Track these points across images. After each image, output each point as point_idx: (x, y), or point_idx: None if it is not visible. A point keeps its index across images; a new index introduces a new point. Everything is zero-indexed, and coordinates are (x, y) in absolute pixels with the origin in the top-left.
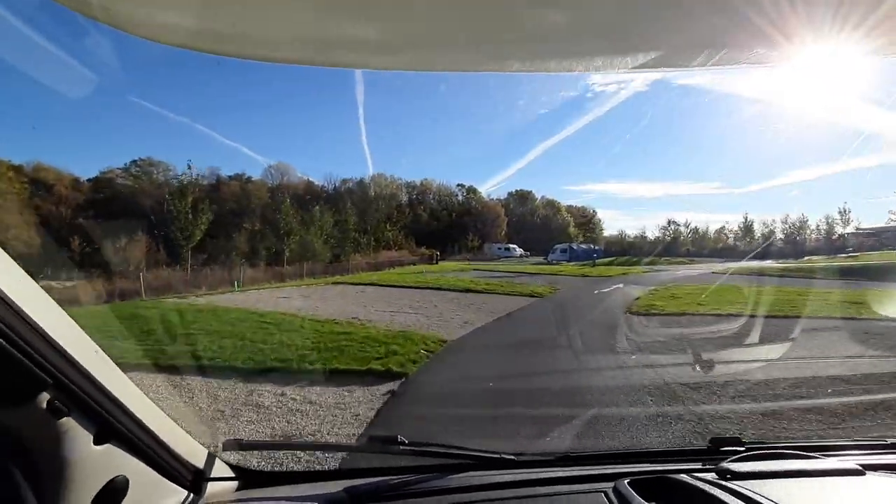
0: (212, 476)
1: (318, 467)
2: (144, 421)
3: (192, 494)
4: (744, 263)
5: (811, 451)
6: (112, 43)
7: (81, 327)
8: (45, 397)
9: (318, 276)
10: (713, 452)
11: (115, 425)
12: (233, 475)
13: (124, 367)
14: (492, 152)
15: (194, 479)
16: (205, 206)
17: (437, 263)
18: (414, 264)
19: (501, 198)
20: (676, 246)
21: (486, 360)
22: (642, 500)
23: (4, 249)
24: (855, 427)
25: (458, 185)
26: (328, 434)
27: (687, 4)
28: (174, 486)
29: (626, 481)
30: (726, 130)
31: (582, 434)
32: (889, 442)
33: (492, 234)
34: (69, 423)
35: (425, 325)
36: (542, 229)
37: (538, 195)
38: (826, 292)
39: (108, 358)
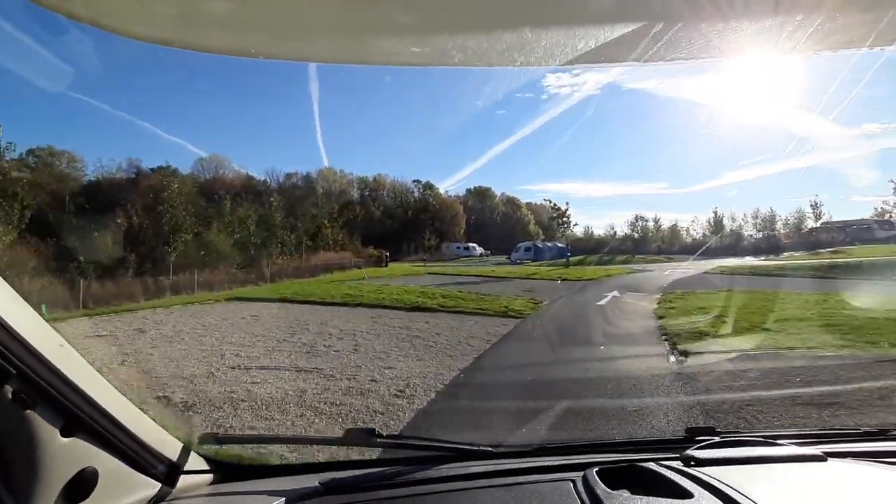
0: (186, 469)
1: (294, 461)
2: (113, 413)
3: (165, 487)
4: (735, 261)
5: (780, 440)
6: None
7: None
8: (8, 389)
9: (224, 286)
10: (686, 441)
11: (82, 417)
12: (208, 468)
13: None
14: (450, 151)
15: (168, 472)
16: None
17: (385, 266)
18: (358, 267)
19: (460, 195)
20: (647, 243)
21: None
22: (606, 488)
23: None
24: (827, 416)
25: (415, 181)
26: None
27: None
28: (146, 478)
29: (594, 470)
30: (672, 133)
31: (559, 425)
32: (856, 430)
33: (450, 232)
34: (35, 416)
35: (306, 420)
36: (503, 227)
37: (497, 192)
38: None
39: (74, 351)
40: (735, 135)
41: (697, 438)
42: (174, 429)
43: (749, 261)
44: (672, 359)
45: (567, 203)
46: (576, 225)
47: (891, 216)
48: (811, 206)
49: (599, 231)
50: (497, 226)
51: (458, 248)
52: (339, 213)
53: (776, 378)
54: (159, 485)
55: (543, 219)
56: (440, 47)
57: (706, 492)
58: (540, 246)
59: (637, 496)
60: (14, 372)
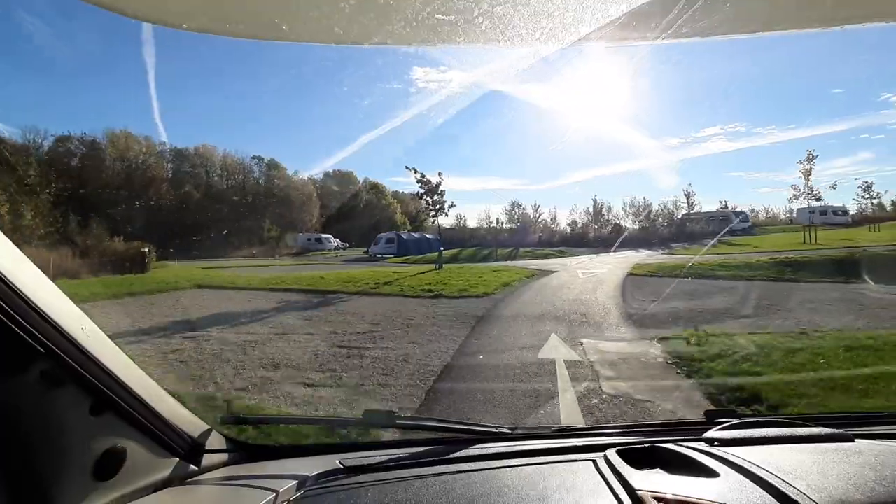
0: (208, 448)
1: (314, 441)
2: (139, 392)
3: (189, 465)
4: (639, 255)
5: (804, 422)
6: None
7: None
8: (38, 368)
9: None
10: (706, 424)
11: (110, 396)
12: (230, 447)
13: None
14: (315, 137)
15: (192, 450)
16: None
17: (146, 272)
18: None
19: (317, 178)
20: (527, 233)
21: None
22: (628, 467)
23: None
24: (849, 399)
25: (255, 157)
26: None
27: None
28: (171, 456)
29: (614, 450)
30: (527, 134)
31: (575, 408)
32: (883, 413)
33: (301, 221)
34: (65, 394)
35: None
36: (367, 217)
37: (360, 178)
38: None
39: (99, 331)
40: (579, 139)
41: (717, 421)
42: (196, 409)
43: (659, 257)
44: (690, 341)
45: (440, 173)
46: (452, 206)
47: (735, 207)
48: (685, 195)
49: (472, 222)
50: (359, 215)
51: (309, 239)
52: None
53: (798, 361)
54: (184, 463)
55: (412, 209)
56: (306, 23)
57: (732, 470)
58: (405, 237)
59: (662, 473)
60: (43, 351)
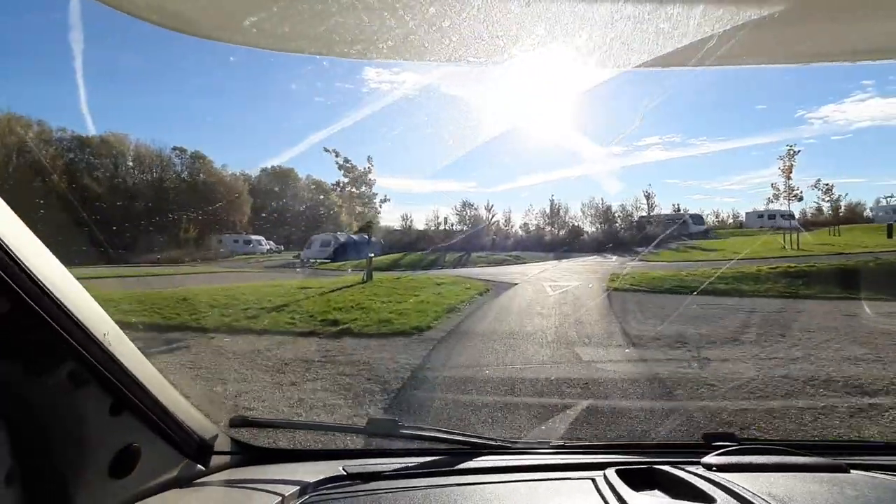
0: (217, 450)
1: (320, 447)
2: (156, 395)
3: (197, 465)
4: (609, 262)
5: (801, 449)
6: None
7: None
8: (67, 369)
9: None
10: (704, 447)
11: (129, 397)
12: (237, 450)
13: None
14: (261, 136)
15: (200, 451)
16: None
17: None
18: None
19: (253, 174)
20: (479, 237)
21: None
22: (627, 488)
23: (34, 232)
24: (847, 427)
25: (176, 148)
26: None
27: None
28: (181, 456)
29: (613, 470)
30: (480, 137)
31: (575, 424)
32: (880, 442)
33: (230, 221)
34: (87, 394)
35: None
36: (308, 218)
37: (302, 175)
38: None
39: (122, 333)
40: (531, 145)
41: (714, 444)
42: (207, 411)
43: (632, 263)
44: (692, 364)
45: (370, 158)
46: (385, 200)
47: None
48: (645, 195)
49: (420, 224)
50: (301, 215)
51: (236, 241)
52: None
53: (797, 387)
54: (192, 463)
55: (357, 208)
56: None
57: (728, 496)
58: (343, 240)
59: (660, 496)
60: (71, 353)
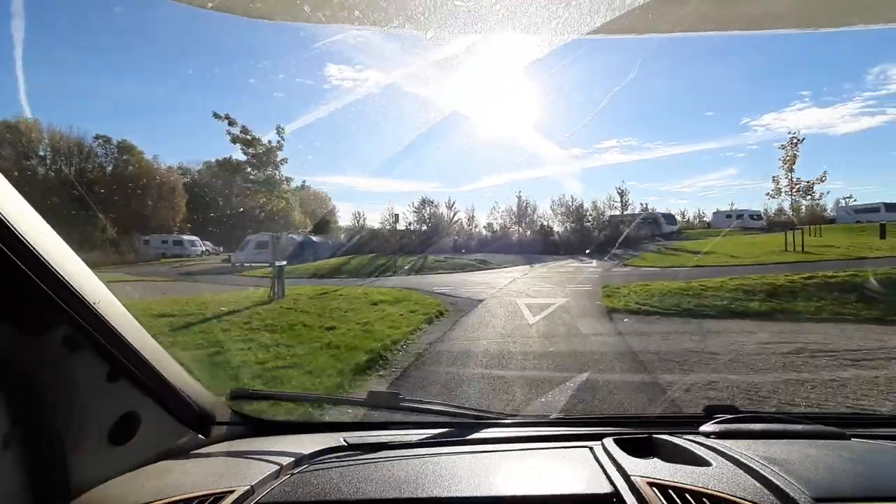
0: (218, 420)
1: (320, 419)
2: (154, 364)
3: (197, 435)
4: (579, 264)
5: (802, 420)
6: None
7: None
8: (60, 333)
9: None
10: (704, 419)
11: (126, 364)
12: (237, 420)
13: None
14: (214, 131)
15: (200, 421)
16: None
17: None
18: None
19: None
20: (439, 236)
21: None
22: (625, 454)
23: (31, 204)
24: (847, 400)
25: (98, 136)
26: None
27: None
28: (181, 425)
29: (611, 439)
30: (443, 136)
31: (573, 398)
32: (880, 415)
33: (160, 219)
34: (82, 359)
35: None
36: (256, 216)
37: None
38: None
39: (118, 301)
40: (491, 145)
41: (716, 416)
42: (207, 382)
43: (624, 270)
44: (693, 337)
45: (280, 128)
46: (302, 187)
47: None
48: (619, 192)
49: (376, 223)
50: (247, 214)
51: (165, 242)
52: None
53: (799, 360)
54: (193, 433)
55: (314, 207)
56: None
57: (725, 461)
58: (281, 239)
59: (657, 461)
60: (64, 317)
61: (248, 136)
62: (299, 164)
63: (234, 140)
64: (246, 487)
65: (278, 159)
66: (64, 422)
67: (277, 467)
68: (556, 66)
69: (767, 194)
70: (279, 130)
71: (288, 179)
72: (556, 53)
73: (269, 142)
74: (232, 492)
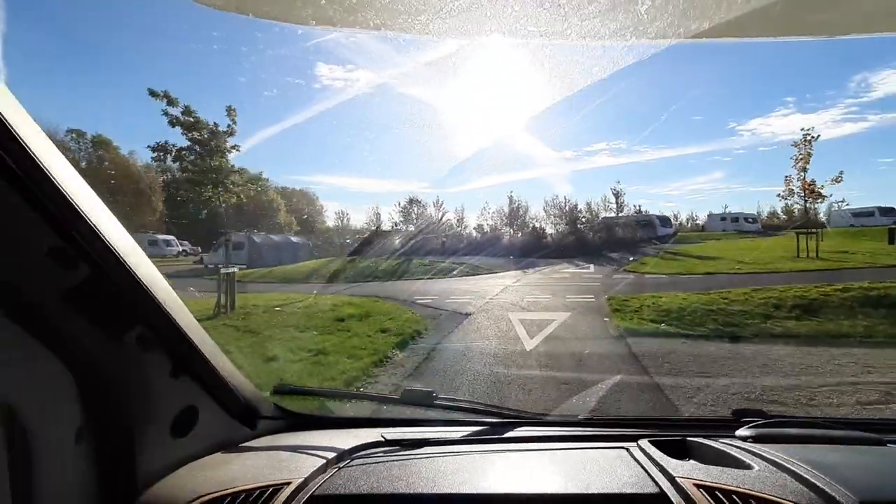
0: (263, 415)
1: (357, 415)
2: (211, 360)
3: (245, 429)
4: (577, 270)
5: (836, 425)
6: None
7: None
8: (136, 333)
9: None
10: (735, 423)
11: (188, 361)
12: (281, 415)
13: None
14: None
15: (248, 416)
16: None
17: None
18: None
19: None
20: (427, 239)
21: None
22: (664, 455)
23: (113, 212)
24: (880, 407)
25: (71, 130)
26: None
27: None
28: (231, 419)
29: (647, 440)
30: (435, 137)
31: (604, 400)
32: None
33: (139, 218)
34: (152, 357)
35: None
36: (240, 216)
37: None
38: None
39: (182, 303)
40: (482, 146)
41: (745, 420)
42: (255, 379)
43: (637, 280)
44: (724, 341)
45: (231, 109)
46: (260, 179)
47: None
48: (614, 193)
49: (360, 222)
50: (233, 214)
51: (140, 241)
52: None
53: (830, 365)
54: (241, 426)
55: (302, 206)
56: None
57: (766, 463)
58: (259, 241)
59: (696, 464)
60: (140, 317)
61: (192, 118)
62: (293, 162)
63: (173, 122)
64: (300, 480)
65: (227, 146)
66: (132, 415)
67: (323, 461)
68: (546, 68)
69: (779, 195)
70: (229, 112)
71: (241, 171)
72: (546, 56)
73: (216, 125)
74: (288, 483)
